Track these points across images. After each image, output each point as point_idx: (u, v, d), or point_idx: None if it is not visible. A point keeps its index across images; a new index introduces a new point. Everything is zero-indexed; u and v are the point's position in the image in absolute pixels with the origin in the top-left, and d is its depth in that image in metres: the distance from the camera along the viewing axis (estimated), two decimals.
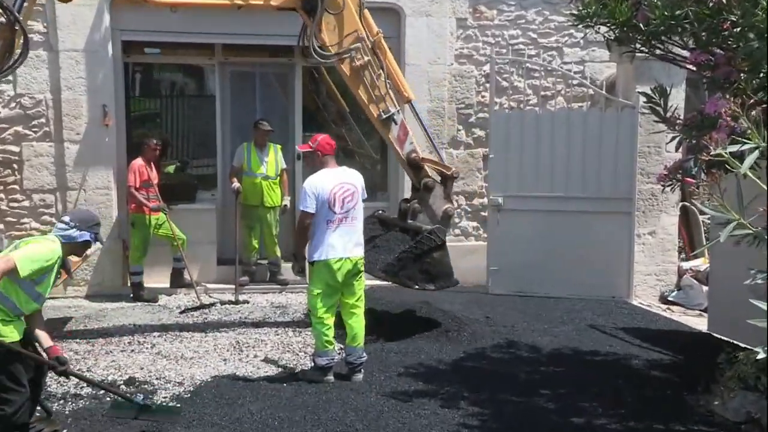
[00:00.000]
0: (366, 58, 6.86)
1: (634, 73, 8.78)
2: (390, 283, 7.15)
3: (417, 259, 6.75)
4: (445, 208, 7.06)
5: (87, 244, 4.61)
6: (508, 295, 8.62)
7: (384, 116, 6.96)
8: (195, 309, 8.10)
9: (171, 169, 9.97)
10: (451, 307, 7.92)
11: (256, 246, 8.93)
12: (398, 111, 7.05)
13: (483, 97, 9.29)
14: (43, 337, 4.59)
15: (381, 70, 6.88)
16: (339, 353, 6.25)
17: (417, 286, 6.91)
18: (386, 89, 6.94)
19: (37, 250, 4.38)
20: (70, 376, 4.89)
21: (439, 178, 7.12)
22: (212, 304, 8.31)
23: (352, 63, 6.84)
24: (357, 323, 5.91)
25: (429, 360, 6.31)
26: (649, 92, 4.66)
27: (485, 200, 9.23)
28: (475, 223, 9.51)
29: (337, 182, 5.77)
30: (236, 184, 8.69)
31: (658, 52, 4.78)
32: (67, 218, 4.60)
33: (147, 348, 6.74)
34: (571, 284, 8.50)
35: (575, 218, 8.53)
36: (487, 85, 9.11)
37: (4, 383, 4.37)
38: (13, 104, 8.52)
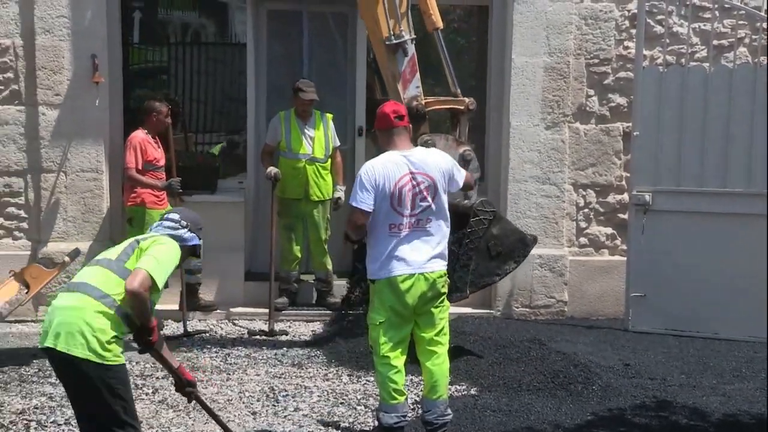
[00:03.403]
0: None
1: None
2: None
3: (476, 249, 7.34)
4: (462, 152, 7.39)
5: (194, 251, 5.21)
6: (657, 333, 8.53)
7: (394, 41, 7.32)
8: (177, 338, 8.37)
9: (216, 150, 10.18)
10: (573, 348, 7.86)
11: (299, 255, 9.03)
12: (412, 40, 7.44)
13: (626, 48, 9.19)
14: (168, 353, 5.18)
15: None
16: (413, 408, 6.25)
17: (498, 277, 7.78)
18: (407, 6, 7.27)
19: (166, 253, 4.91)
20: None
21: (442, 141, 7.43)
22: (195, 333, 8.50)
23: None
24: (438, 367, 5.88)
25: (541, 423, 6.27)
26: None
27: (625, 197, 9.13)
28: (609, 230, 9.40)
29: (406, 171, 5.74)
30: (273, 169, 8.80)
31: None
32: (176, 216, 5.18)
33: (147, 394, 6.87)
34: (754, 321, 8.31)
35: (760, 226, 8.35)
36: (633, 30, 9.00)
37: (120, 416, 4.71)
38: None
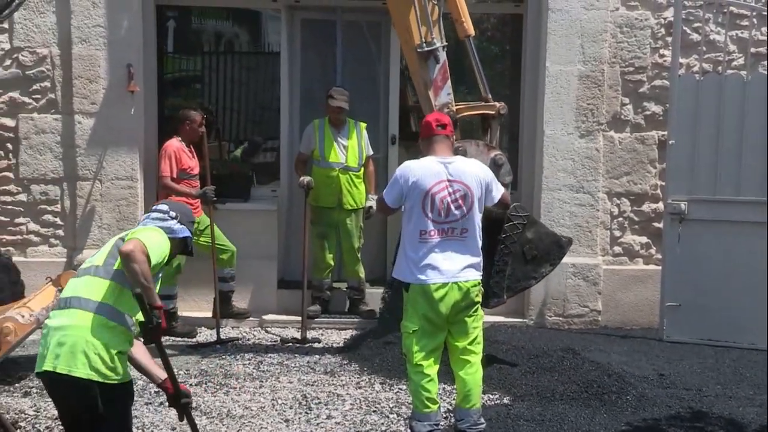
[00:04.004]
0: None
1: None
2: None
3: (512, 253, 7.42)
4: (493, 157, 7.43)
5: (185, 245, 4.91)
6: (692, 343, 8.48)
7: (426, 48, 7.40)
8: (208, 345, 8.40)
9: (238, 152, 10.24)
10: (607, 357, 7.83)
11: (332, 263, 9.06)
12: (444, 47, 7.51)
13: (662, 56, 9.14)
14: (153, 365, 4.84)
15: None
16: (446, 417, 6.24)
17: (535, 281, 7.79)
18: (439, 14, 7.31)
19: (154, 237, 4.63)
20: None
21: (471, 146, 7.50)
22: (229, 341, 8.52)
23: None
24: (471, 376, 5.89)
25: None
26: None
27: (660, 206, 9.08)
28: (644, 239, 9.34)
29: (443, 178, 5.77)
30: (305, 178, 8.84)
31: None
32: (164, 206, 4.93)
33: None
34: None
35: None
36: (669, 38, 8.95)
37: None
38: (8, 61, 8.94)
